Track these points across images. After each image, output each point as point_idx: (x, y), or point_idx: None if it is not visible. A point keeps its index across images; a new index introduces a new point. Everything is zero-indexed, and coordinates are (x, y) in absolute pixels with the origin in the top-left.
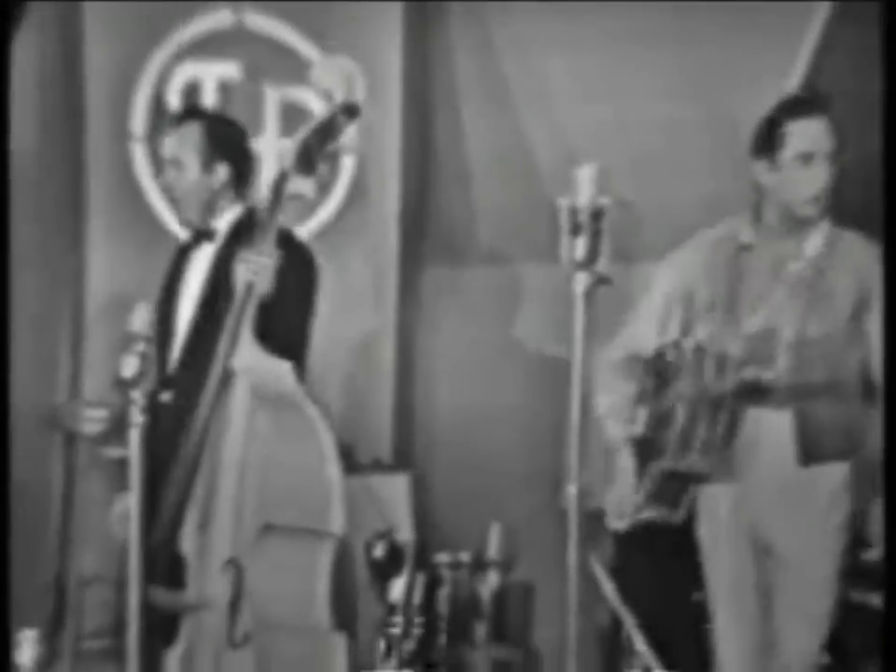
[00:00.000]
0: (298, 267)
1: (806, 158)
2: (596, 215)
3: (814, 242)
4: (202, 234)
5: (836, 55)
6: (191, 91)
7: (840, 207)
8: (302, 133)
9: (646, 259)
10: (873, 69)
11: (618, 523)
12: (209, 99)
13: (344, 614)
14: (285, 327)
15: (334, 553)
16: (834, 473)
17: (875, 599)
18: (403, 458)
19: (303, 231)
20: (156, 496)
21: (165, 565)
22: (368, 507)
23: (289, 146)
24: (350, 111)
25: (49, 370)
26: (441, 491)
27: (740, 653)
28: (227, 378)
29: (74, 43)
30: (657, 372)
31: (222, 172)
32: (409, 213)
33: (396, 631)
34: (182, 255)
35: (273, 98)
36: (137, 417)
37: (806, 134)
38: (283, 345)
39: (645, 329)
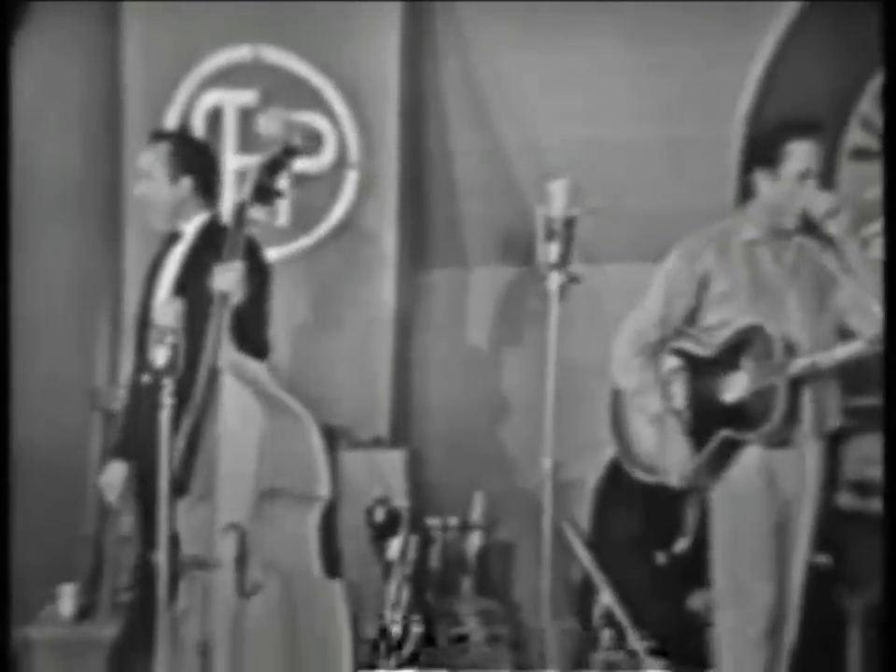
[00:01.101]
0: (259, 274)
1: (804, 174)
2: (568, 223)
3: (794, 244)
4: (172, 238)
5: (784, 82)
6: (214, 115)
7: None
8: (254, 171)
9: (612, 261)
10: (821, 97)
11: (678, 481)
12: (230, 123)
13: (332, 563)
14: (254, 328)
15: (322, 513)
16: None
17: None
18: (400, 436)
19: (317, 234)
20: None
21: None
22: (369, 478)
23: (245, 181)
24: (291, 152)
25: (90, 357)
26: (433, 464)
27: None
28: (214, 374)
29: (117, 69)
30: (684, 352)
31: (186, 183)
32: (405, 219)
33: (394, 582)
34: (157, 256)
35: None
36: (167, 400)
37: (804, 154)
38: (253, 345)
39: (654, 313)
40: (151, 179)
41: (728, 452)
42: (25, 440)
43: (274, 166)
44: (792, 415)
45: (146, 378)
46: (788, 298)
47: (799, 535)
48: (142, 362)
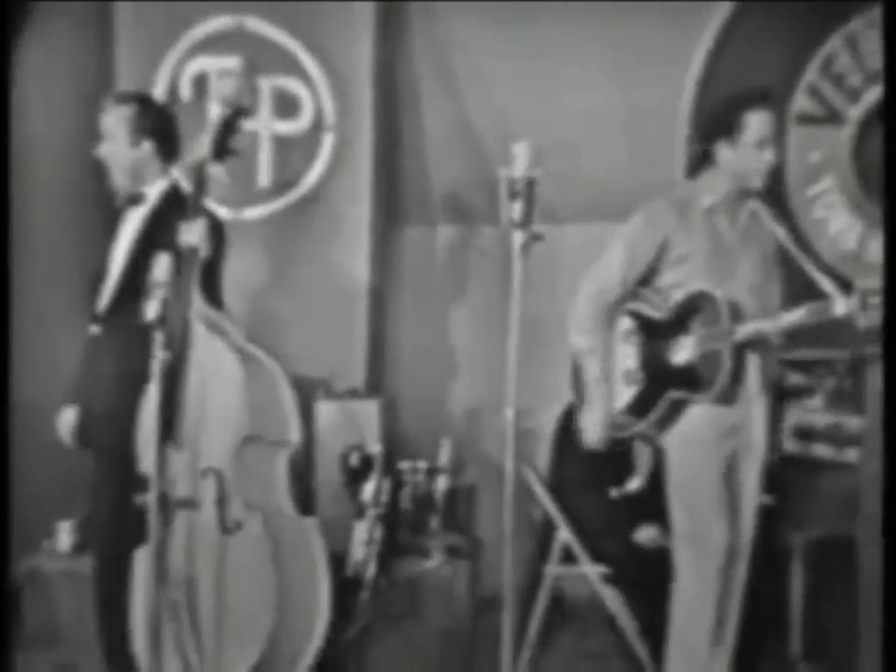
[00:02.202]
0: (216, 233)
1: (763, 143)
2: (530, 183)
3: (747, 208)
4: (132, 199)
5: (735, 51)
6: (200, 81)
7: None
8: (210, 130)
9: (572, 220)
10: (770, 63)
11: (594, 441)
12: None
13: (306, 502)
14: (214, 285)
15: (291, 455)
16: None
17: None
18: (374, 387)
19: (295, 194)
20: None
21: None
22: (345, 426)
23: (202, 140)
24: (243, 112)
25: None
26: (405, 413)
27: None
28: (187, 326)
29: (108, 43)
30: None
31: (147, 146)
32: (379, 181)
33: (367, 522)
34: (118, 216)
35: (266, 87)
36: (160, 353)
37: (762, 123)
38: (216, 297)
39: (616, 274)
40: (113, 140)
41: (678, 409)
42: (24, 389)
43: (230, 125)
44: (737, 377)
45: (94, 329)
46: (741, 262)
47: (748, 480)
48: (94, 316)
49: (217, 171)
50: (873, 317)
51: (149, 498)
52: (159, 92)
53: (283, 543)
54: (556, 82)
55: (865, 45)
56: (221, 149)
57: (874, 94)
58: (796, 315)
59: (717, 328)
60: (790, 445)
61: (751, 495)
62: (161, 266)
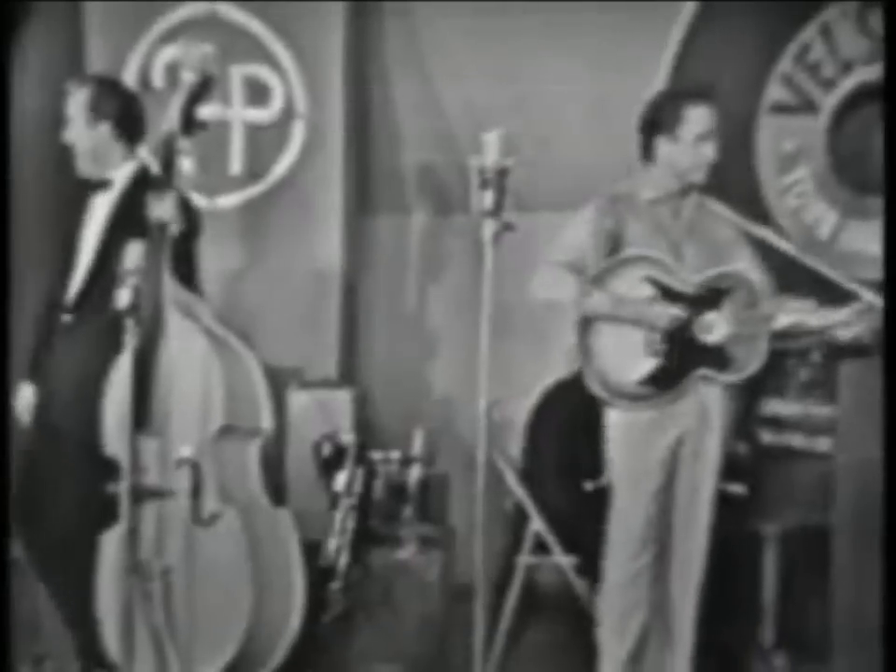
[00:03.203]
0: (188, 210)
1: (702, 136)
2: (501, 173)
3: (691, 201)
4: (98, 185)
5: (706, 41)
6: (172, 69)
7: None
8: (177, 101)
9: (544, 209)
10: (744, 52)
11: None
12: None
13: (278, 492)
14: (190, 263)
15: (262, 444)
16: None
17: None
18: (347, 377)
19: (267, 182)
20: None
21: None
22: (317, 415)
23: (171, 113)
24: (209, 82)
25: None
26: (378, 403)
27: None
28: (159, 311)
29: (79, 30)
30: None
31: (104, 129)
32: (350, 169)
33: (340, 512)
34: (84, 203)
35: (237, 75)
36: (130, 340)
37: (702, 117)
38: (191, 279)
39: (568, 258)
40: (74, 124)
41: (705, 381)
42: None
43: (196, 97)
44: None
45: (65, 318)
46: (685, 252)
47: (703, 469)
48: (51, 298)
49: (185, 145)
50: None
51: (121, 487)
52: (130, 80)
53: (257, 535)
54: (528, 71)
55: (840, 34)
56: (189, 120)
57: (848, 83)
58: (842, 315)
59: (756, 311)
60: (762, 434)
61: (708, 484)
62: (133, 253)
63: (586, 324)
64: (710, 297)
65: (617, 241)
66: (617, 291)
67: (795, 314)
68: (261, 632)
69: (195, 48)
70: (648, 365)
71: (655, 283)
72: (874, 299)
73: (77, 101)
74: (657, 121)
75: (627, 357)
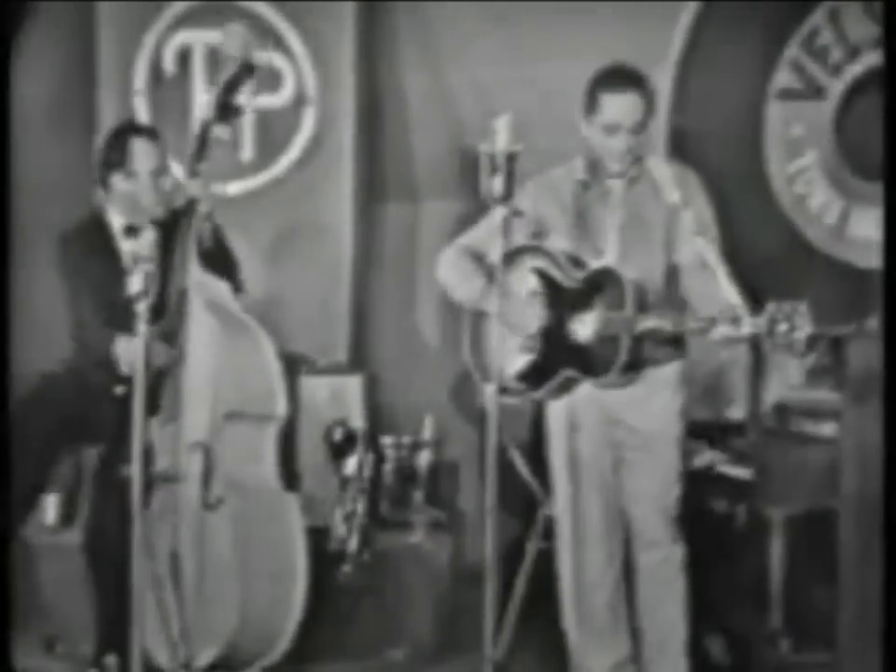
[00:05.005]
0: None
1: (611, 128)
2: (511, 158)
3: (618, 184)
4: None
5: (716, 26)
6: (184, 55)
7: None
8: (215, 89)
9: None
10: (751, 37)
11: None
12: (198, 61)
13: (290, 478)
14: (221, 251)
15: (279, 430)
16: (668, 371)
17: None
18: (358, 363)
19: (278, 168)
20: None
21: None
22: (328, 401)
23: (207, 100)
24: (249, 69)
25: None
26: (388, 388)
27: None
28: (183, 294)
29: (90, 17)
30: None
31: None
32: (361, 157)
33: (351, 496)
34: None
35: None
36: (142, 328)
37: (614, 108)
38: (222, 268)
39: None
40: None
41: (570, 386)
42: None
43: (234, 83)
44: (633, 367)
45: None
46: (609, 237)
47: (648, 470)
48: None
49: (223, 132)
50: (782, 339)
51: (133, 471)
52: (141, 67)
53: (261, 520)
54: (538, 57)
55: (847, 19)
56: (227, 108)
57: (856, 69)
58: (702, 323)
59: (619, 313)
60: (769, 420)
61: (669, 481)
62: (145, 239)
63: (477, 314)
64: (588, 294)
65: (539, 225)
66: (509, 279)
67: (655, 319)
68: (263, 616)
69: (235, 32)
70: (522, 360)
71: (542, 275)
72: (745, 318)
73: (136, 149)
74: (583, 104)
75: (508, 350)
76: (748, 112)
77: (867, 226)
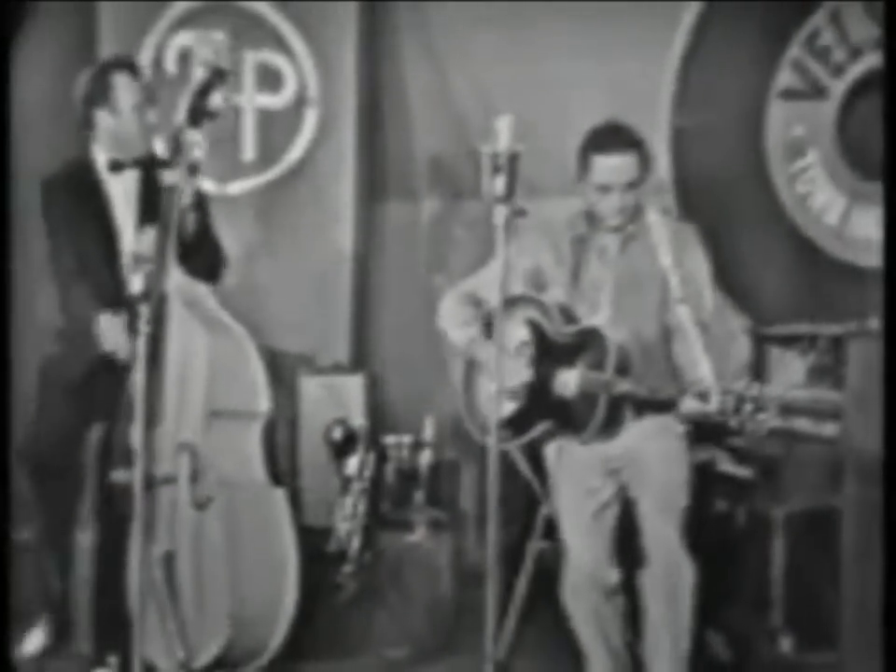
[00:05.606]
0: (204, 205)
1: (604, 188)
2: (513, 158)
3: (615, 239)
4: (116, 166)
5: (718, 26)
6: (185, 55)
7: None
8: (187, 94)
9: (555, 195)
10: (753, 37)
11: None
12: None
13: (277, 474)
14: (203, 253)
15: (263, 426)
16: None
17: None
18: (359, 363)
19: (279, 168)
20: None
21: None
22: (329, 400)
23: (179, 106)
24: (220, 75)
25: None
26: (389, 388)
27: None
28: (162, 298)
29: (91, 17)
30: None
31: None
32: (362, 156)
33: (352, 496)
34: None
35: (250, 61)
36: (144, 327)
37: (606, 169)
38: (204, 269)
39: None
40: (111, 106)
41: (550, 437)
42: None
43: (206, 89)
44: (611, 425)
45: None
46: (604, 293)
47: (648, 521)
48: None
49: (195, 137)
50: (747, 419)
51: (134, 475)
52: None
53: (253, 517)
54: (540, 56)
55: (849, 20)
56: (198, 112)
57: (857, 69)
58: (673, 393)
59: (599, 375)
60: (770, 420)
61: (653, 535)
62: (146, 239)
63: (471, 360)
64: (574, 351)
65: (537, 276)
66: (504, 328)
67: (631, 385)
68: (254, 614)
69: (207, 39)
70: (508, 408)
71: (534, 326)
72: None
73: (118, 84)
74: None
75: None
76: (749, 112)
77: (868, 225)
